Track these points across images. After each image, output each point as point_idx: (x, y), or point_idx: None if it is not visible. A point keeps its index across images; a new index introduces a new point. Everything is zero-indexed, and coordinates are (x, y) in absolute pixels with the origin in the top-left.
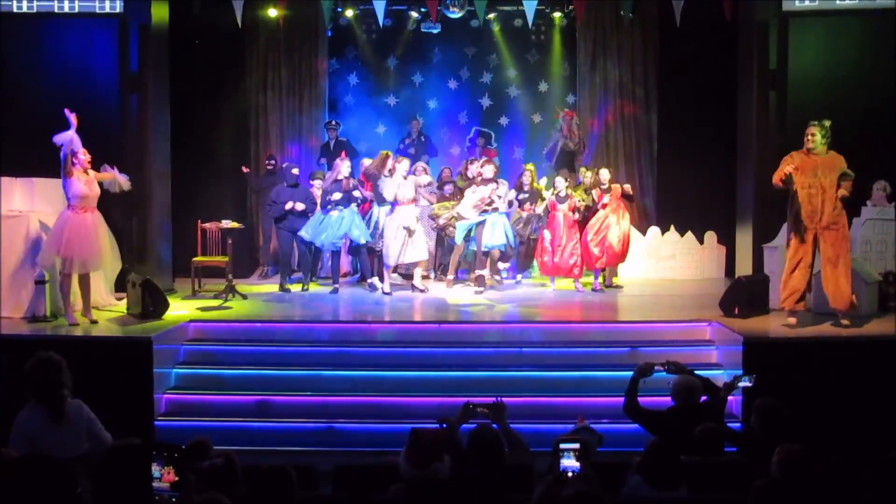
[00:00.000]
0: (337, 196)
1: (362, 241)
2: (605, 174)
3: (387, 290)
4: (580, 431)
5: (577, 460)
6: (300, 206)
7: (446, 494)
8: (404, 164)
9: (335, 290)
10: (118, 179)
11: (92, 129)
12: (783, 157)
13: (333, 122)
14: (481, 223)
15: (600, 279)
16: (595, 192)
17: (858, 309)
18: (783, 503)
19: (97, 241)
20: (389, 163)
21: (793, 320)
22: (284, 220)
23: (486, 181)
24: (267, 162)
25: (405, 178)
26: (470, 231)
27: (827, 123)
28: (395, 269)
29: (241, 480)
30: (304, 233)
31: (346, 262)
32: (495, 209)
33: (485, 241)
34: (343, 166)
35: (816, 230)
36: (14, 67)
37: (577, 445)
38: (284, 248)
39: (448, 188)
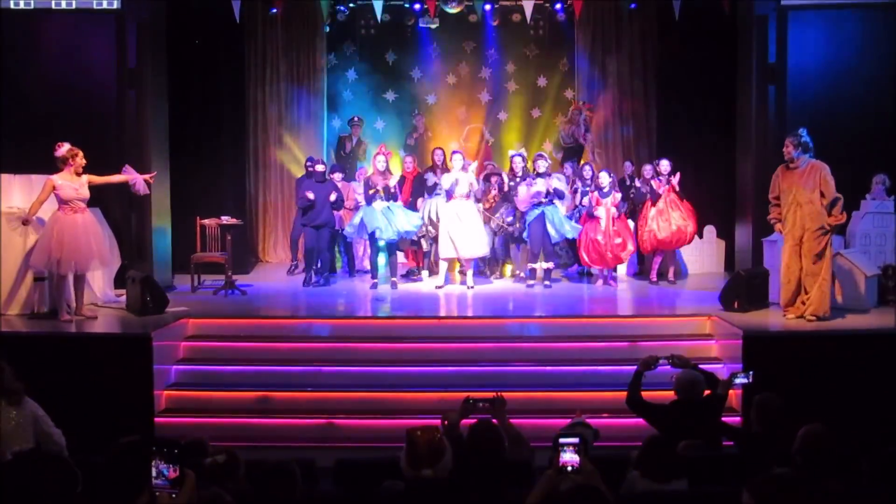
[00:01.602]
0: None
1: (383, 238)
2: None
3: (440, 283)
4: (575, 426)
5: (577, 454)
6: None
7: (445, 490)
8: (457, 158)
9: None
10: (137, 186)
11: (89, 125)
12: (782, 150)
13: (357, 119)
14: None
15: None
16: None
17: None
18: (784, 497)
19: (89, 243)
20: (438, 157)
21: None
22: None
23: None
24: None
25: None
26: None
27: (801, 132)
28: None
29: (244, 477)
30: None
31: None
32: (550, 202)
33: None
34: (378, 161)
35: (800, 243)
36: (12, 63)
37: (576, 440)
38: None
39: (495, 179)
